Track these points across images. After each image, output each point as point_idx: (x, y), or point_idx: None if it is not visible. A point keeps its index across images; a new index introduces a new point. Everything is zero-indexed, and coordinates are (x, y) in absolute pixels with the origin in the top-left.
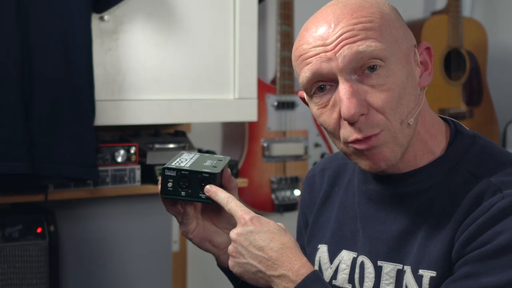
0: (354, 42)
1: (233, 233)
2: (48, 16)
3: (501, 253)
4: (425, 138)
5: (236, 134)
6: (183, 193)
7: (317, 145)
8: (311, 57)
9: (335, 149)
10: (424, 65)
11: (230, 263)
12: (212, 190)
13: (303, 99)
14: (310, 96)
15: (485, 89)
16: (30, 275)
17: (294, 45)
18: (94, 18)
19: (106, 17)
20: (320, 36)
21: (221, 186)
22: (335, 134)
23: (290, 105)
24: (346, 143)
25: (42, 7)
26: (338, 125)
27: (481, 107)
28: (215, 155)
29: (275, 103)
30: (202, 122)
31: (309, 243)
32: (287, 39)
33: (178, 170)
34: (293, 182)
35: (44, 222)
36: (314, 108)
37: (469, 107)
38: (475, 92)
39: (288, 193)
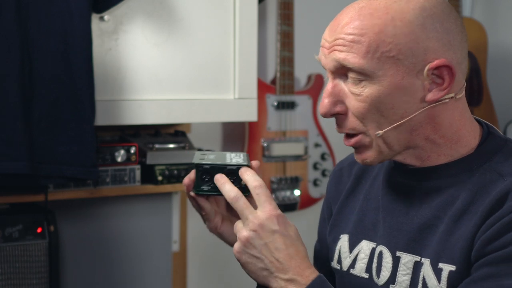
0: (340, 51)
1: (255, 223)
2: (48, 16)
3: None
4: (438, 142)
5: (236, 134)
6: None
7: (317, 145)
8: (321, 46)
9: (336, 150)
10: (438, 80)
11: (237, 247)
12: (222, 181)
13: None
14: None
15: (485, 89)
16: (30, 275)
17: None
18: (94, 18)
19: (106, 17)
20: (328, 32)
21: None
22: None
23: (290, 105)
24: None
25: (42, 7)
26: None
27: (481, 107)
28: (228, 152)
29: (275, 103)
30: (202, 122)
31: (331, 232)
32: (287, 39)
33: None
34: (293, 182)
35: (44, 222)
36: None
37: (469, 107)
38: (475, 92)
39: (288, 193)
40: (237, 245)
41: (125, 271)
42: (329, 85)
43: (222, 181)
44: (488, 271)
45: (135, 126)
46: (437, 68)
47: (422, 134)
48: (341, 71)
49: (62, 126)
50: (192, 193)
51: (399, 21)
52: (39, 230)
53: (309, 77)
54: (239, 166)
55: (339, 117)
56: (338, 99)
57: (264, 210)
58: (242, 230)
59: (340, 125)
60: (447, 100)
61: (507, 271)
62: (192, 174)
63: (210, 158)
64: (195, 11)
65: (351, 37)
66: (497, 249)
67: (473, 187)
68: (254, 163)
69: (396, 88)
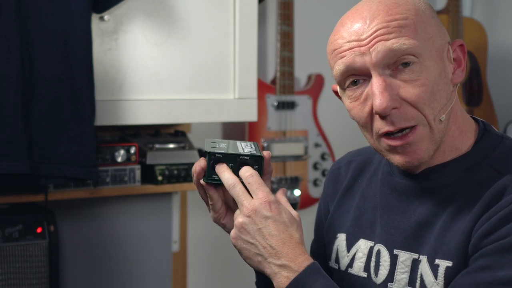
0: (388, 39)
1: (249, 209)
2: (48, 16)
3: None
4: (455, 134)
5: (236, 134)
6: None
7: (317, 145)
8: (345, 51)
9: (336, 150)
10: (457, 62)
11: (232, 233)
12: (221, 169)
13: (336, 93)
14: (343, 90)
15: (485, 89)
16: (30, 275)
17: (329, 40)
18: (94, 18)
19: (106, 17)
20: (355, 31)
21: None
22: (366, 127)
23: (290, 105)
24: (378, 137)
25: (42, 7)
26: (369, 119)
27: (481, 107)
28: (238, 141)
29: (275, 103)
30: (202, 122)
31: (328, 231)
32: (287, 39)
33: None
34: (293, 182)
35: (44, 222)
36: (346, 101)
37: (469, 107)
38: (475, 92)
39: (288, 193)
40: (233, 231)
41: (125, 271)
42: (378, 80)
43: (222, 169)
44: (483, 263)
45: (135, 126)
46: (455, 49)
47: (449, 123)
48: (390, 61)
49: (62, 126)
50: (202, 181)
51: (422, 6)
52: (39, 230)
53: (309, 77)
54: (252, 156)
55: (393, 112)
56: (393, 92)
57: (257, 197)
58: (237, 217)
59: (394, 122)
60: (458, 85)
61: (501, 263)
62: (202, 162)
63: (221, 146)
64: (195, 11)
65: (395, 22)
66: (492, 242)
67: (471, 184)
68: (266, 153)
69: (440, 69)
